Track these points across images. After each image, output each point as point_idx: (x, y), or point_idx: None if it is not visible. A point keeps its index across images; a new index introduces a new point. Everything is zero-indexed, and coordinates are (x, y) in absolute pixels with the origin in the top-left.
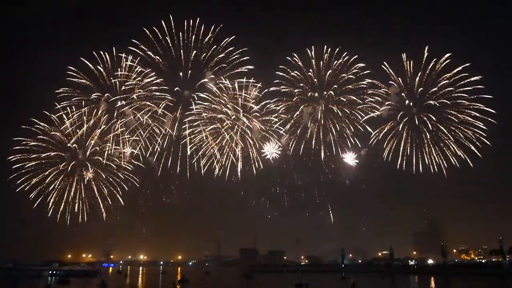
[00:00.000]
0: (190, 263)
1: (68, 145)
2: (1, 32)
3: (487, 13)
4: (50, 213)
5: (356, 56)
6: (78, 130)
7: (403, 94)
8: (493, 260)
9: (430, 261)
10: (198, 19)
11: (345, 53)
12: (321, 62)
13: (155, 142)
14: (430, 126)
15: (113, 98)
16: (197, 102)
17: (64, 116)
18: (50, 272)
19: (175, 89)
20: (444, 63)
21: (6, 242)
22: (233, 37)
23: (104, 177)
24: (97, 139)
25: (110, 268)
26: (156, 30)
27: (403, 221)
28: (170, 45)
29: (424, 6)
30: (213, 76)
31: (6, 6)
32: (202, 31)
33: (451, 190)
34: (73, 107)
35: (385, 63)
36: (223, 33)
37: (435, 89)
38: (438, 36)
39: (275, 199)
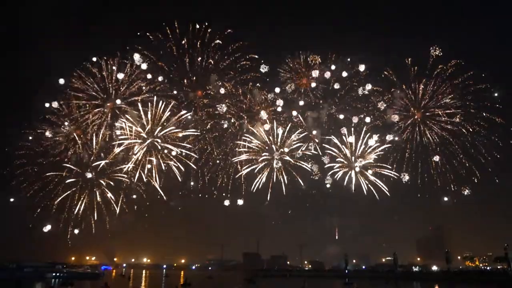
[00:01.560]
0: (193, 267)
1: (74, 149)
2: (4, 31)
3: (497, 16)
4: (52, 217)
5: (361, 63)
6: (82, 135)
7: (407, 101)
8: (498, 267)
9: (434, 268)
10: (204, 24)
11: (349, 59)
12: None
13: (159, 149)
14: (435, 135)
15: (118, 104)
16: (201, 108)
17: (68, 120)
18: (54, 274)
19: (180, 95)
20: (450, 70)
21: (10, 243)
22: (240, 43)
23: (109, 182)
24: (102, 143)
25: (114, 271)
26: (160, 36)
27: (407, 227)
28: (175, 50)
29: (430, 8)
30: (218, 82)
31: (6, 5)
32: (208, 36)
33: (456, 197)
34: (78, 111)
35: (388, 69)
36: (229, 39)
37: (441, 96)
38: (445, 41)
39: (278, 204)
